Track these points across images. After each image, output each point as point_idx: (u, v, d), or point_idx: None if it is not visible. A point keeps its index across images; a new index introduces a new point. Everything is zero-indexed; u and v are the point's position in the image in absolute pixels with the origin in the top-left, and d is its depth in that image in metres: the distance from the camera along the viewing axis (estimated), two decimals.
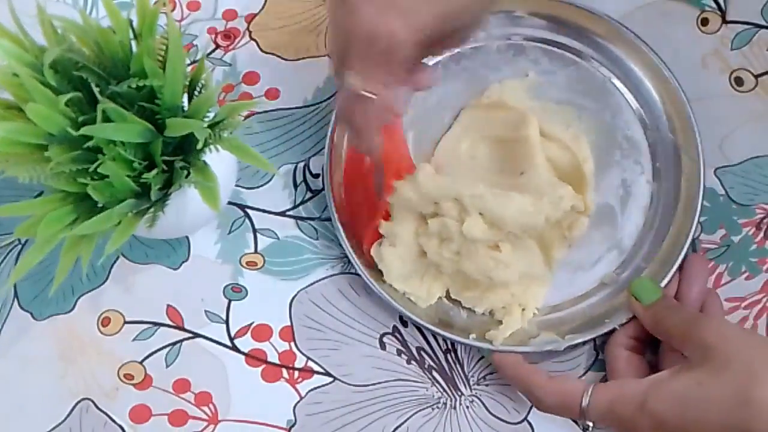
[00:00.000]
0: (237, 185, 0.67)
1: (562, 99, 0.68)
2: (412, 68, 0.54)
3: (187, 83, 0.56)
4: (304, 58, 0.71)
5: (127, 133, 0.52)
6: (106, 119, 0.52)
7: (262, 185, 0.68)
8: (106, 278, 0.66)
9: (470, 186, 0.60)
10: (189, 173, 0.55)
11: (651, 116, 0.67)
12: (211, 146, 0.55)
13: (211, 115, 0.56)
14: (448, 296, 0.64)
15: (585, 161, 0.65)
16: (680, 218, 0.63)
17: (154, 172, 0.54)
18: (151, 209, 0.56)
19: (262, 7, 0.73)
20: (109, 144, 0.53)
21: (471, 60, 0.70)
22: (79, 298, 0.65)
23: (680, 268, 0.62)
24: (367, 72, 0.52)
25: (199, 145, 0.53)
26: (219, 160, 0.57)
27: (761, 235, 0.64)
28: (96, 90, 0.52)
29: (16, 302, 0.65)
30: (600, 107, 0.68)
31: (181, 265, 0.66)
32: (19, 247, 0.67)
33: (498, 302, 0.63)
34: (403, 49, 0.50)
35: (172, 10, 0.72)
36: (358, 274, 0.64)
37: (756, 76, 0.67)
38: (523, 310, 0.63)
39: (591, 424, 0.56)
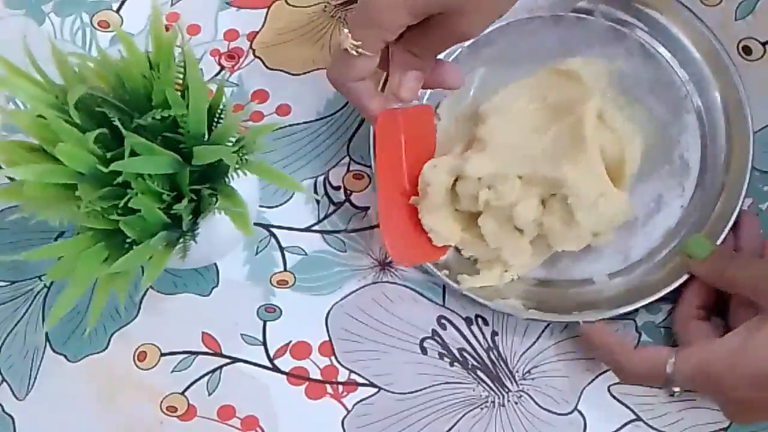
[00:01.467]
0: (259, 205, 0.67)
1: (637, 96, 0.67)
2: (432, 61, 0.60)
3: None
4: (311, 71, 0.71)
5: (156, 165, 0.52)
6: (133, 153, 0.52)
7: (283, 203, 0.68)
8: (137, 312, 0.65)
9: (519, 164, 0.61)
10: (217, 200, 0.55)
11: (714, 149, 0.66)
12: (239, 171, 0.54)
13: (233, 139, 0.56)
14: None
15: (630, 162, 0.64)
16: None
17: (185, 202, 0.54)
18: (181, 239, 0.56)
19: (263, 24, 0.73)
20: (137, 178, 0.52)
21: (568, 29, 0.69)
22: (112, 335, 0.65)
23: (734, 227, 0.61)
24: (357, 29, 0.56)
25: (230, 171, 0.52)
26: (242, 183, 0.56)
27: None
28: (119, 124, 0.51)
29: (48, 346, 0.65)
30: (670, 119, 0.66)
31: (211, 291, 0.66)
32: (45, 290, 0.66)
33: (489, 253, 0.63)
34: (392, 14, 0.54)
35: None
36: (391, 282, 0.64)
37: (763, 44, 0.67)
38: (506, 271, 0.64)
39: (678, 389, 0.55)
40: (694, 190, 0.65)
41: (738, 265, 0.57)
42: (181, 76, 0.55)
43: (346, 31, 0.56)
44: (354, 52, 0.56)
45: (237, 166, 0.54)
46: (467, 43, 0.69)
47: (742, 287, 0.56)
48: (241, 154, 0.55)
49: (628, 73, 0.67)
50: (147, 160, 0.52)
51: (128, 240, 0.54)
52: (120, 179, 0.52)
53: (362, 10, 0.57)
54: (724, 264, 0.57)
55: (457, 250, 0.65)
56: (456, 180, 0.63)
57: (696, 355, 0.54)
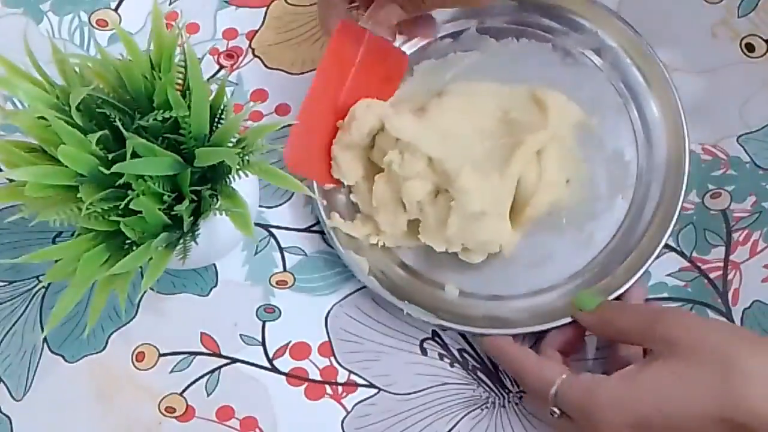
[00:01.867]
0: (259, 206, 0.66)
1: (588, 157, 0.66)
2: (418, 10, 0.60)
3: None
4: (310, 71, 0.71)
5: (158, 166, 0.52)
6: (134, 154, 0.51)
7: (283, 203, 0.67)
8: (136, 312, 0.65)
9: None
10: (218, 201, 0.55)
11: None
12: (240, 172, 0.54)
13: (234, 139, 0.56)
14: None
15: (535, 206, 0.63)
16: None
17: (185, 203, 0.53)
18: (182, 240, 0.55)
19: (262, 23, 0.72)
20: (138, 179, 0.52)
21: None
22: (110, 335, 0.64)
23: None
24: None
25: (232, 173, 0.52)
26: (242, 184, 0.56)
27: None
28: (120, 126, 0.51)
29: (46, 347, 0.64)
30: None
31: (210, 291, 0.65)
32: (43, 291, 0.66)
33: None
34: None
35: None
36: None
37: (766, 41, 0.68)
38: (376, 234, 0.64)
39: (557, 411, 0.55)
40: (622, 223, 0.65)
41: (623, 314, 0.56)
42: (182, 76, 0.55)
43: None
44: None
45: (238, 167, 0.54)
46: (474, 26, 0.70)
47: (630, 334, 0.55)
48: (241, 155, 0.54)
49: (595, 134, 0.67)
50: (148, 161, 0.51)
51: (128, 241, 0.54)
52: (121, 181, 0.51)
53: None
54: (614, 314, 0.57)
55: (349, 191, 0.66)
56: (380, 130, 0.64)
57: (583, 384, 0.54)
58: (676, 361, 0.51)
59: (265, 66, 0.71)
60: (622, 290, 0.61)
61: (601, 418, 0.52)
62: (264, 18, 0.72)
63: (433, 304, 0.63)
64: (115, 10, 0.73)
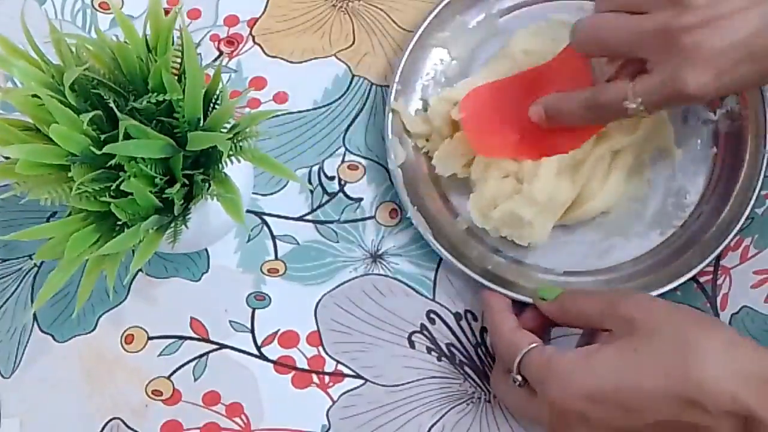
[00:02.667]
0: (253, 192, 0.67)
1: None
2: None
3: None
4: (309, 60, 0.71)
5: (150, 149, 0.52)
6: (127, 136, 0.52)
7: (277, 191, 0.67)
8: (126, 295, 0.65)
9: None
10: (210, 186, 0.55)
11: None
12: (232, 158, 0.54)
13: (227, 125, 0.56)
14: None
15: (588, 212, 0.64)
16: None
17: (177, 187, 0.53)
18: (173, 224, 0.55)
19: (264, 11, 0.72)
20: (131, 161, 0.52)
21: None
22: (100, 317, 0.65)
23: None
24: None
25: (224, 158, 0.52)
26: (236, 170, 0.56)
27: None
28: (114, 107, 0.51)
29: (36, 326, 0.64)
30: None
31: (201, 276, 0.65)
32: (35, 270, 0.66)
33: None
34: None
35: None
36: (382, 275, 0.64)
37: None
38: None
39: (519, 378, 0.55)
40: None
41: (584, 299, 0.57)
42: (179, 60, 0.55)
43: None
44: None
45: (231, 152, 0.54)
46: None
47: (590, 317, 0.56)
48: (235, 141, 0.54)
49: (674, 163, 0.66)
50: (141, 143, 0.51)
51: (119, 223, 0.54)
52: (113, 162, 0.51)
53: None
54: (573, 301, 0.57)
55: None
56: None
57: (545, 354, 0.54)
58: (635, 339, 0.52)
59: (265, 54, 0.71)
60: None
61: (555, 387, 0.52)
62: (266, 6, 0.73)
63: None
64: None
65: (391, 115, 0.66)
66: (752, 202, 0.62)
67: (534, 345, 0.55)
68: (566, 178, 0.62)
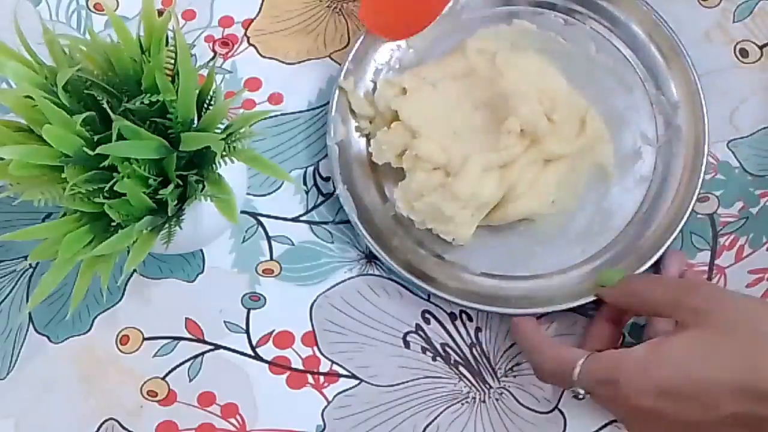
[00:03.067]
0: (247, 193, 0.67)
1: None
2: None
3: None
4: (304, 61, 0.71)
5: (143, 149, 0.52)
6: (120, 137, 0.52)
7: (272, 192, 0.67)
8: (122, 296, 0.65)
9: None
10: (204, 186, 0.55)
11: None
12: (226, 159, 0.54)
13: (221, 126, 0.56)
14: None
15: (514, 214, 0.65)
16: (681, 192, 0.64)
17: (170, 187, 0.54)
18: (167, 225, 0.56)
19: (259, 12, 0.72)
20: (124, 162, 0.52)
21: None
22: (95, 318, 0.65)
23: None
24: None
25: (217, 159, 0.52)
26: (230, 171, 0.56)
27: None
28: (108, 108, 0.51)
29: (31, 327, 0.65)
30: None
31: (196, 277, 0.66)
32: (31, 271, 0.66)
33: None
34: None
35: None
36: (377, 275, 0.64)
37: (760, 47, 0.68)
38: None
39: (582, 392, 0.55)
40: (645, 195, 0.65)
41: (651, 285, 0.56)
42: (173, 61, 0.55)
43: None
44: None
45: (224, 153, 0.54)
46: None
47: (659, 305, 0.55)
48: (228, 142, 0.54)
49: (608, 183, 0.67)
50: (134, 144, 0.51)
51: (113, 224, 0.54)
52: (106, 163, 0.52)
53: None
54: (640, 286, 0.57)
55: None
56: None
57: (606, 360, 0.54)
58: (705, 330, 0.51)
59: (260, 55, 0.71)
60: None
61: (627, 385, 0.52)
62: (260, 7, 0.73)
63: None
64: None
65: (337, 92, 0.67)
66: (672, 237, 0.62)
67: (588, 354, 0.55)
68: (493, 177, 0.62)
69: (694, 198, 0.63)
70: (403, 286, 0.65)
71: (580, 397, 0.55)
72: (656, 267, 0.62)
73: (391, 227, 0.66)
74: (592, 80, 0.67)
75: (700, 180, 0.63)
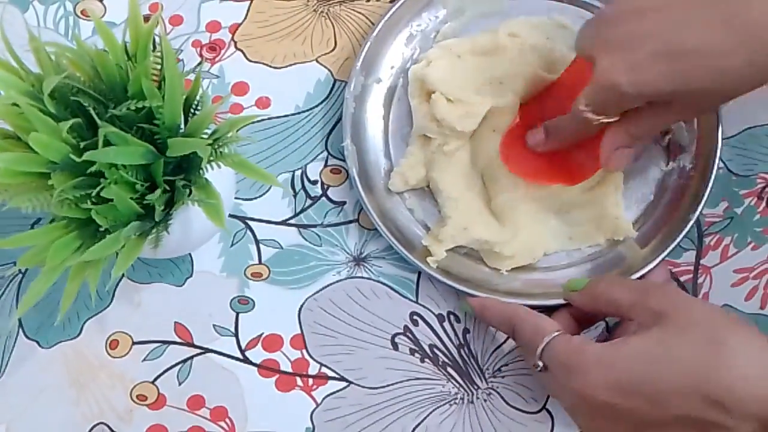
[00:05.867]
0: (236, 197, 0.67)
1: None
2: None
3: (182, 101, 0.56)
4: (291, 65, 0.71)
5: (130, 155, 0.52)
6: (107, 143, 0.52)
7: (260, 196, 0.68)
8: (111, 300, 0.65)
9: None
10: (191, 191, 0.55)
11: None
12: (213, 164, 0.55)
13: (209, 131, 0.56)
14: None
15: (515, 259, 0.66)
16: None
17: (158, 193, 0.54)
18: (154, 230, 0.56)
19: (245, 17, 0.73)
20: (111, 168, 0.52)
21: None
22: (84, 322, 0.65)
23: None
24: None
25: (203, 164, 0.52)
26: (218, 175, 0.56)
27: (763, 204, 0.65)
28: (94, 114, 0.52)
29: (21, 332, 0.65)
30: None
31: (185, 281, 0.66)
32: (20, 277, 0.66)
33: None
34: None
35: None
36: (365, 278, 0.65)
37: None
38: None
39: (541, 364, 0.55)
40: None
41: (614, 287, 0.57)
42: (159, 66, 0.55)
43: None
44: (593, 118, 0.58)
45: (211, 158, 0.54)
46: None
47: (620, 306, 0.56)
48: (215, 147, 0.55)
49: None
50: (121, 150, 0.52)
51: (101, 229, 0.54)
52: (93, 169, 0.52)
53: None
54: (603, 289, 0.57)
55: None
56: None
57: (573, 342, 0.54)
58: (665, 332, 0.51)
59: (247, 59, 0.72)
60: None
61: (583, 377, 0.52)
62: (247, 12, 0.73)
63: None
64: (101, 0, 0.74)
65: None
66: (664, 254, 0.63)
67: (560, 332, 0.56)
68: (491, 218, 0.65)
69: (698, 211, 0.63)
70: (392, 289, 0.65)
71: (538, 368, 0.56)
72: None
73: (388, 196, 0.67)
74: None
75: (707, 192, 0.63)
